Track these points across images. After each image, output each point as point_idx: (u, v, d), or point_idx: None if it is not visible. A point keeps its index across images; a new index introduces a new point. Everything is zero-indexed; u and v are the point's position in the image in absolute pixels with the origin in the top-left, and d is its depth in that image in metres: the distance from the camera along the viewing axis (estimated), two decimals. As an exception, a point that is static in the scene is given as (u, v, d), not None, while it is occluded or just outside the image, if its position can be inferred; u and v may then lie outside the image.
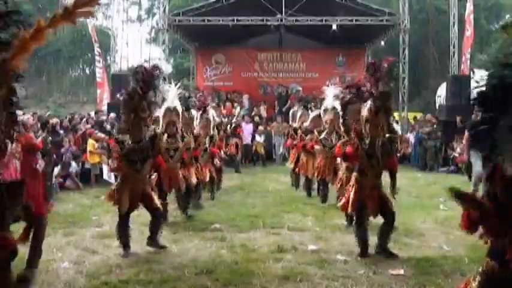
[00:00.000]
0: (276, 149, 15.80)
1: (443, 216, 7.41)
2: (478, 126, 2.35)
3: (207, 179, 8.34)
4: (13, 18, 2.47)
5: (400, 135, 14.91)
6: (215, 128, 9.00)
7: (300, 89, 18.72)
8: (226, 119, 15.15)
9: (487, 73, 2.36)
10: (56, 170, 9.72)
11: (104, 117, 13.99)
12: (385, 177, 5.39)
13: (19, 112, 3.92)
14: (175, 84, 6.99)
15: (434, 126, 14.87)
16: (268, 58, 20.01)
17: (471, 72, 16.11)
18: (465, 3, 17.02)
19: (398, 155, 13.02)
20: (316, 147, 8.30)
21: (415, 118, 17.46)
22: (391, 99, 5.23)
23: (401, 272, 4.77)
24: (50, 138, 9.74)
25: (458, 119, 13.49)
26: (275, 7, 16.44)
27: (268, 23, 16.75)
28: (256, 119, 16.81)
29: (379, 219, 5.42)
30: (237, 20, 16.56)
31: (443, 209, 8.01)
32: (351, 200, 5.33)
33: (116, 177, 6.83)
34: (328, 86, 8.55)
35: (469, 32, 16.21)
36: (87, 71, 35.23)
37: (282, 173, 12.06)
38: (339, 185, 6.69)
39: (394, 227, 5.44)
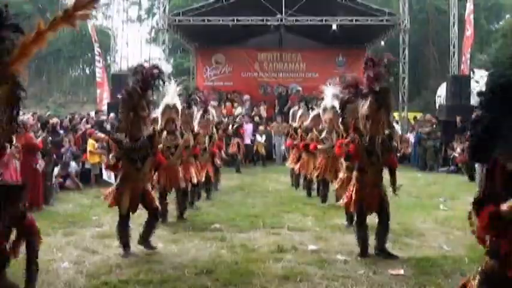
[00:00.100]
0: (276, 149, 15.80)
1: (443, 216, 7.41)
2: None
3: (203, 179, 8.30)
4: (10, 31, 2.43)
5: (400, 135, 14.95)
6: (214, 128, 8.99)
7: (300, 89, 18.71)
8: (226, 119, 15.17)
9: (486, 73, 2.35)
10: (56, 170, 9.72)
11: (104, 117, 14.00)
12: (385, 175, 5.38)
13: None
14: (176, 82, 6.98)
15: (434, 126, 14.85)
16: (268, 58, 19.97)
17: (471, 72, 16.16)
18: (465, 3, 17.01)
19: (398, 155, 13.04)
20: (319, 146, 8.29)
21: (415, 118, 17.45)
22: (391, 94, 5.21)
23: (401, 272, 4.77)
24: (50, 138, 9.73)
25: (458, 119, 13.50)
26: (275, 7, 16.43)
27: (268, 23, 16.74)
28: (256, 119, 16.81)
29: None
30: (237, 20, 16.54)
31: (443, 209, 8.02)
32: (352, 199, 5.32)
33: (115, 176, 6.81)
34: (327, 85, 8.54)
35: (469, 32, 16.20)
36: (87, 71, 35.31)
37: (282, 173, 12.05)
38: (339, 185, 6.68)
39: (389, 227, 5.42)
